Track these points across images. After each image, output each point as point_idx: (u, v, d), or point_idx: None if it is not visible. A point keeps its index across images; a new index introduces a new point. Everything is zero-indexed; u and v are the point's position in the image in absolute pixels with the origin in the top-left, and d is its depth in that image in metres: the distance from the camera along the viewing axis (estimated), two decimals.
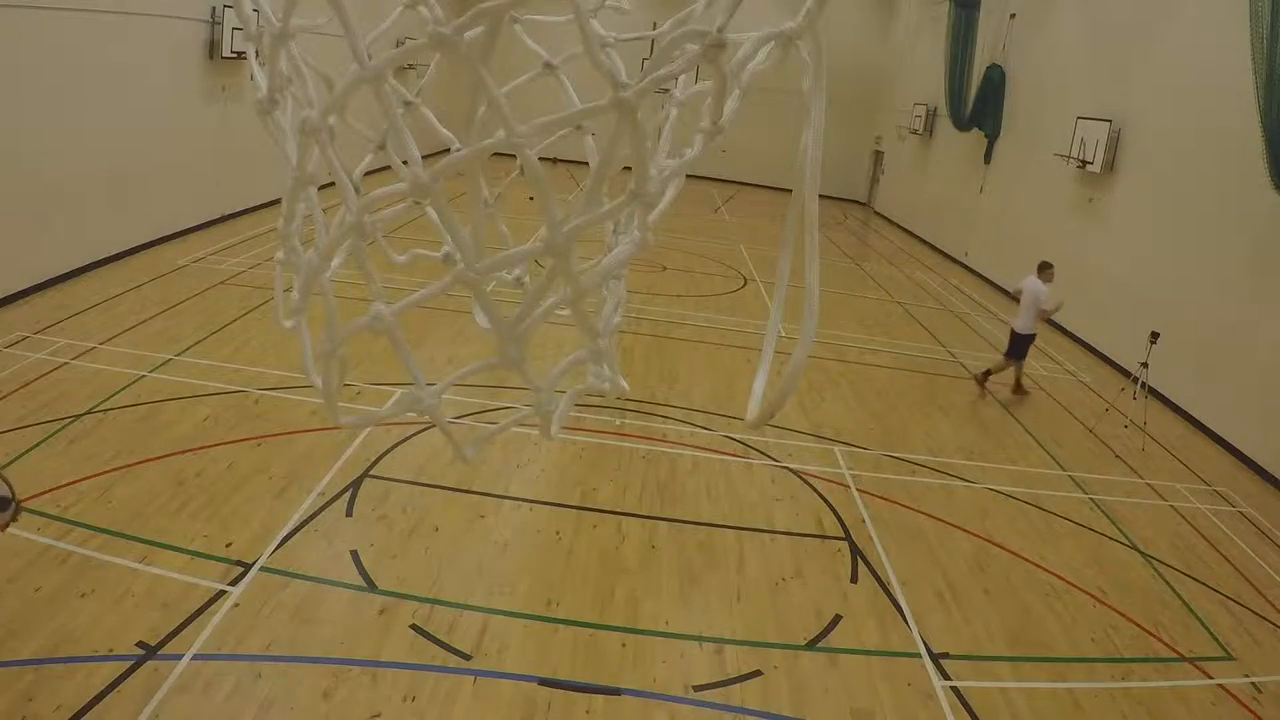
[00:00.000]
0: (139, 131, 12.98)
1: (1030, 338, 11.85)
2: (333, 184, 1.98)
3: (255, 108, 2.12)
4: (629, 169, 1.75)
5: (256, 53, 2.20)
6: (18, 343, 9.40)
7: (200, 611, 5.57)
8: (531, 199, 2.28)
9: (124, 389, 8.59)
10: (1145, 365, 10.83)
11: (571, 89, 2.71)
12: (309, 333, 2.21)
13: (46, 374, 8.71)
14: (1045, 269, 11.68)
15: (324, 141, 1.94)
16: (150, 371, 9.05)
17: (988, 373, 12.28)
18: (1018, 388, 12.28)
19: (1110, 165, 15.49)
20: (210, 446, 7.72)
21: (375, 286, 1.90)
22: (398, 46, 1.99)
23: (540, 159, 1.73)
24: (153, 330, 10.31)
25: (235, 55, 14.81)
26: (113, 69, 12.17)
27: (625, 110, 1.59)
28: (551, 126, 1.71)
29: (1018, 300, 11.94)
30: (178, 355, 9.59)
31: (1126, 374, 11.66)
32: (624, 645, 5.86)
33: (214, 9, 14.55)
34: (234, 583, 5.90)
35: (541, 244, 1.71)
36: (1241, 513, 9.60)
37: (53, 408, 8.02)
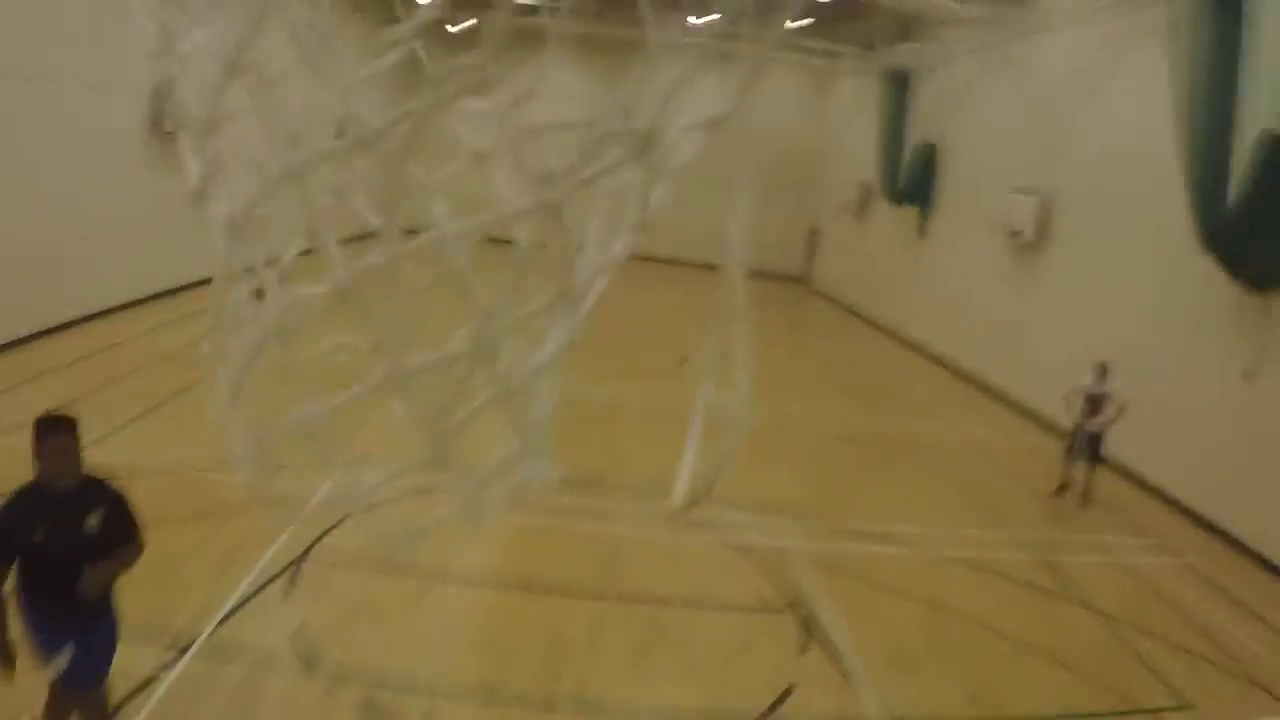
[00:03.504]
0: (80, 202, 12.81)
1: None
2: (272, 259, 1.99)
3: (188, 198, 2.13)
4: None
5: (188, 139, 2.22)
6: None
7: (132, 696, 5.37)
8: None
9: None
10: (1082, 427, 11.00)
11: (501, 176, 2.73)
12: (238, 429, 2.19)
13: None
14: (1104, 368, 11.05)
15: (250, 236, 1.95)
16: (86, 447, 8.80)
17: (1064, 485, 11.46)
18: (1087, 495, 11.28)
19: (1044, 234, 15.97)
20: (147, 525, 7.50)
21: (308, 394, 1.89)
22: (336, 129, 2.02)
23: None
24: (90, 405, 10.01)
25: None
26: (54, 139, 12.06)
27: (551, 211, 1.61)
28: (476, 230, 1.73)
29: (1088, 404, 10.94)
30: (115, 432, 9.37)
31: (1065, 435, 11.84)
32: None
33: (156, 84, 14.57)
34: (168, 667, 5.70)
35: (467, 345, 1.71)
36: (1187, 564, 9.78)
37: None
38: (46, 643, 4.35)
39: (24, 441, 8.84)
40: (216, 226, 2.15)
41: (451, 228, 1.62)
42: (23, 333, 11.90)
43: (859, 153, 26.53)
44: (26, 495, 4.32)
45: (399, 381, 1.70)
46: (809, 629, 7.27)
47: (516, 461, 2.09)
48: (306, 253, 3.25)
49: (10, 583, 4.21)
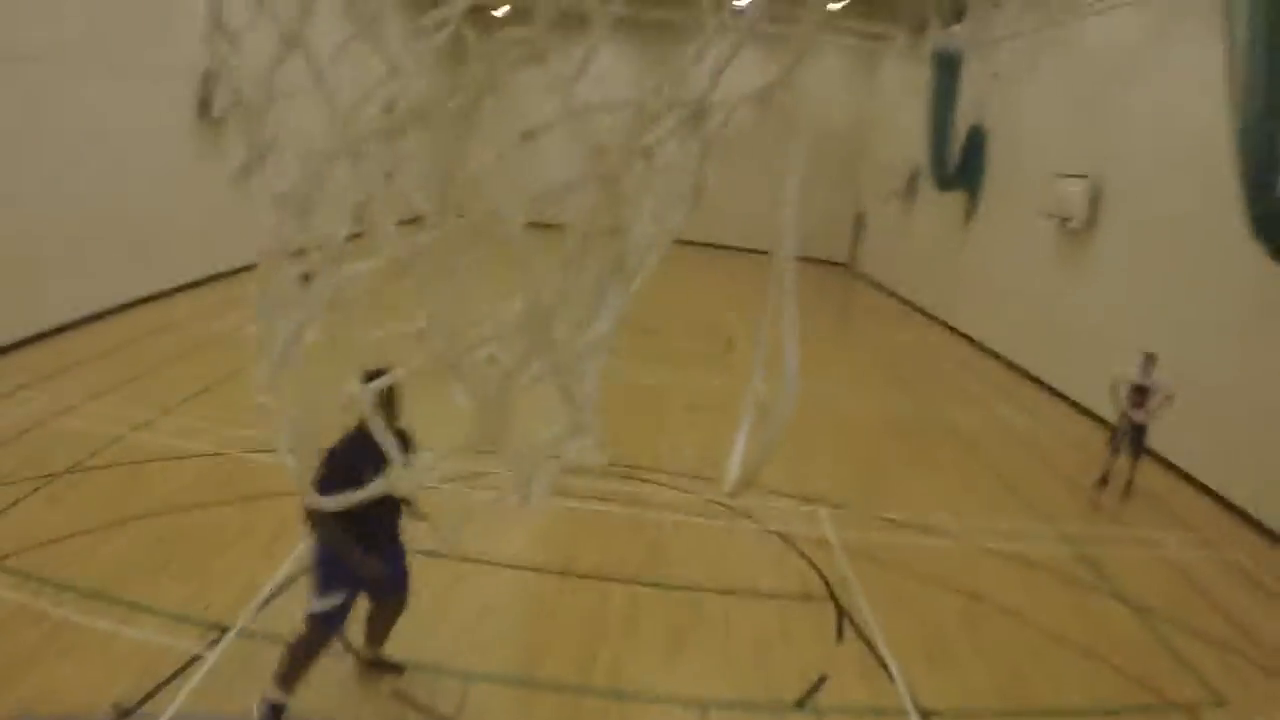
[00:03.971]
0: (130, 189, 13.07)
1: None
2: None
3: (234, 175, 2.12)
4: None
5: (235, 118, 2.21)
6: (2, 398, 9.34)
7: (176, 675, 5.48)
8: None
9: (107, 447, 8.53)
10: (1129, 417, 10.82)
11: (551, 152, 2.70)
12: (282, 412, 2.17)
13: (30, 430, 8.65)
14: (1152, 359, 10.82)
15: (299, 214, 1.93)
16: (133, 430, 9.00)
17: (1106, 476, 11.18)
18: (1130, 488, 11.13)
19: (1092, 221, 15.70)
20: (194, 507, 7.65)
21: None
22: (385, 109, 2.01)
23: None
24: (139, 388, 10.26)
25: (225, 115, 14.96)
26: (104, 125, 12.29)
27: (606, 182, 1.59)
28: (530, 204, 1.71)
29: (1135, 395, 10.77)
30: (164, 414, 9.54)
31: (1110, 427, 11.65)
32: (608, 712, 5.78)
33: (206, 68, 14.73)
34: (211, 646, 5.81)
35: (521, 319, 1.69)
36: (1229, 560, 9.60)
37: (35, 464, 7.95)
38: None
39: (79, 420, 9.08)
40: (263, 204, 2.14)
41: (506, 204, 1.59)
42: (72, 318, 12.13)
43: (906, 136, 26.19)
44: (358, 440, 4.63)
45: (452, 359, 1.67)
46: (845, 618, 7.23)
47: (566, 439, 2.07)
48: (355, 236, 3.26)
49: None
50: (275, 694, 5.12)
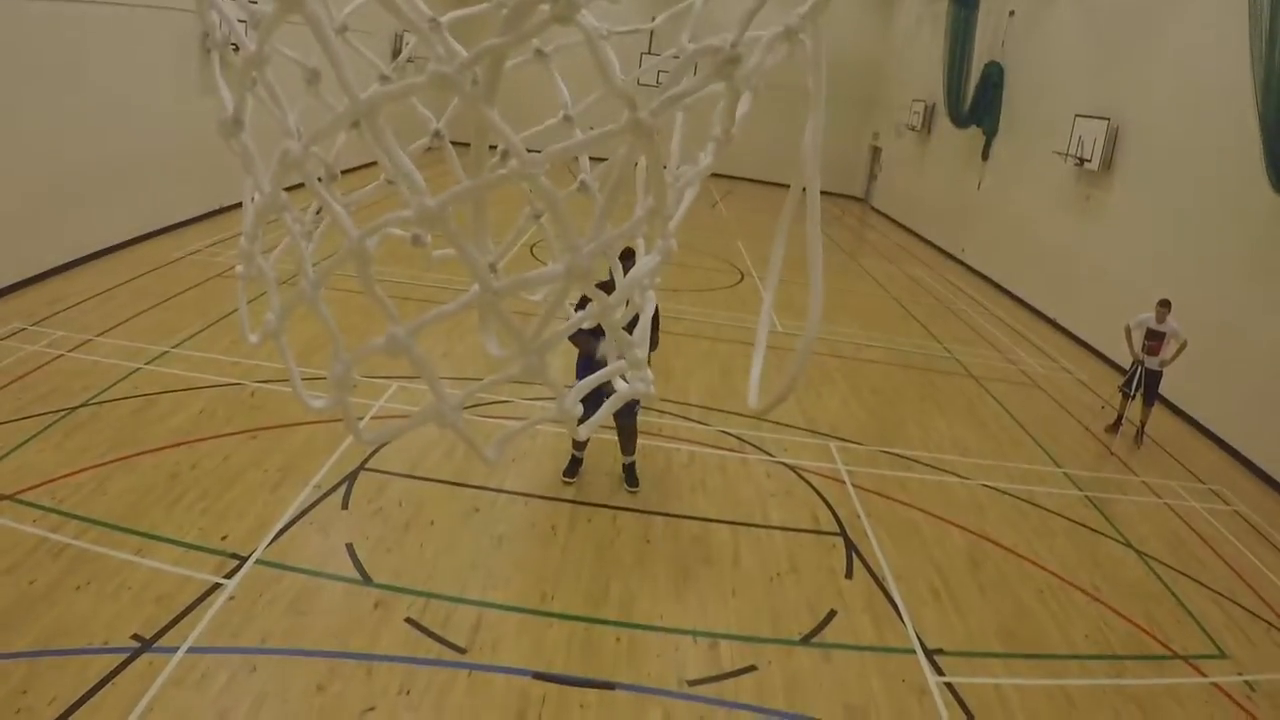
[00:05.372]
0: (137, 123, 12.96)
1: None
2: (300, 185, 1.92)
3: (219, 129, 2.02)
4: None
5: (221, 62, 2.12)
6: (14, 335, 9.38)
7: (196, 604, 5.57)
8: (540, 218, 2.28)
9: (120, 381, 8.59)
10: (1141, 363, 10.85)
11: (562, 81, 2.62)
12: (293, 359, 2.09)
13: (42, 366, 8.70)
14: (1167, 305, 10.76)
15: (313, 183, 1.86)
16: (146, 364, 9.04)
17: (1119, 421, 11.37)
18: (1142, 434, 11.19)
19: (1108, 163, 15.52)
20: (206, 439, 7.72)
21: (391, 310, 1.79)
22: (394, 48, 1.94)
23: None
24: (149, 322, 10.29)
25: (233, 47, 14.76)
26: (111, 60, 12.15)
27: (643, 133, 1.52)
28: (566, 151, 1.65)
29: (1149, 340, 10.82)
30: (174, 348, 9.58)
31: (1123, 371, 11.70)
32: (618, 639, 5.87)
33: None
34: (229, 575, 5.90)
35: (564, 268, 1.63)
36: (1236, 511, 9.63)
37: (49, 400, 8.01)
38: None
39: (90, 355, 9.11)
40: (255, 158, 2.03)
41: (535, 158, 1.52)
42: (81, 254, 12.11)
43: (922, 71, 25.81)
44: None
45: (491, 302, 1.62)
46: (855, 553, 7.30)
47: (616, 374, 2.02)
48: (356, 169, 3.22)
49: None
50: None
